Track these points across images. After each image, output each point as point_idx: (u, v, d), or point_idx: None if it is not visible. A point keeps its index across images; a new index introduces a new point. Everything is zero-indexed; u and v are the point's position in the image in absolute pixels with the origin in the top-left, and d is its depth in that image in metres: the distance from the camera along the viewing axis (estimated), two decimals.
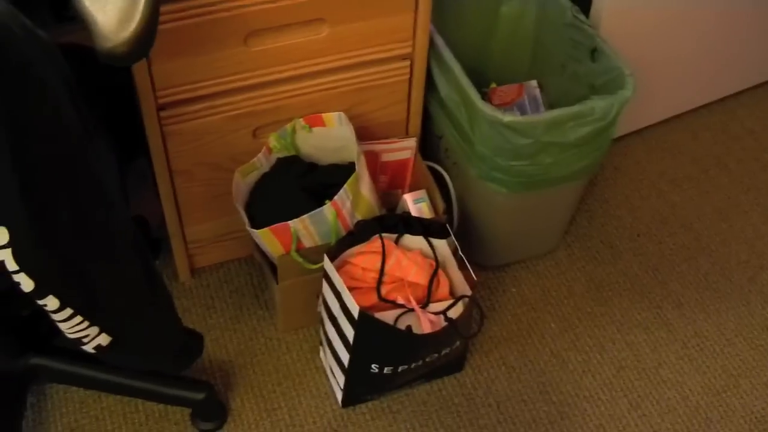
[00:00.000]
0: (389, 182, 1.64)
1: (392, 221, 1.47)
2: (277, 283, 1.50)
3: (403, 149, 1.61)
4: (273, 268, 1.50)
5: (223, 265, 1.72)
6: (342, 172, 1.47)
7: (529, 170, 1.52)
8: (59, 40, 0.97)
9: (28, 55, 0.88)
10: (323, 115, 1.48)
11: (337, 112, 1.47)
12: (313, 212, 1.38)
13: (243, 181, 1.46)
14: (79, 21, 1.37)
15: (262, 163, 1.48)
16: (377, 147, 1.58)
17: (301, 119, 1.47)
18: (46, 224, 0.95)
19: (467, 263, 1.44)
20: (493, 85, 1.80)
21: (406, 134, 1.64)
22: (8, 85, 0.85)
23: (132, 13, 1.04)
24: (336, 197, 1.39)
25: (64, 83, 0.96)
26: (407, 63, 1.52)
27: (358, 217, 1.45)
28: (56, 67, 0.94)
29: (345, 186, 1.39)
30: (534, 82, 1.76)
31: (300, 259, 1.44)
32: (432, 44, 1.54)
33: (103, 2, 1.05)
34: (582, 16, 1.64)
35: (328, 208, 1.39)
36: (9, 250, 0.94)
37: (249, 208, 1.46)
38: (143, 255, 1.12)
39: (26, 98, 0.88)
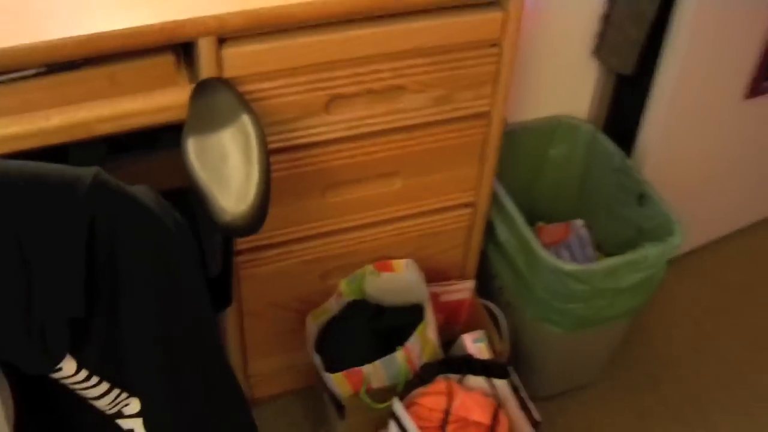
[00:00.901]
0: (445, 320, 1.71)
1: (455, 363, 1.54)
2: (344, 420, 1.55)
3: (460, 290, 1.68)
4: (336, 403, 1.56)
5: (280, 397, 1.77)
6: (407, 313, 1.54)
7: (583, 312, 1.60)
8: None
9: (176, 244, 0.95)
10: (392, 261, 1.55)
11: (405, 260, 1.55)
12: (386, 358, 1.45)
13: (314, 324, 1.53)
14: (133, 151, 1.45)
15: (332, 306, 1.55)
16: (437, 289, 1.65)
17: (371, 265, 1.55)
18: (173, 390, 1.01)
19: (530, 403, 1.50)
20: (541, 224, 1.88)
21: (462, 274, 1.71)
22: (159, 272, 0.92)
23: (248, 190, 1.11)
24: (408, 343, 1.45)
25: (195, 259, 1.03)
26: (470, 210, 1.61)
27: (424, 359, 1.51)
28: (193, 248, 1.01)
29: (416, 333, 1.46)
30: (580, 222, 1.85)
31: (369, 400, 1.49)
32: (493, 192, 1.62)
33: (220, 178, 1.13)
34: (630, 162, 1.74)
35: (400, 354, 1.45)
36: (140, 419, 1.00)
37: (319, 349, 1.53)
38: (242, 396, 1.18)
39: (174, 280, 0.95)
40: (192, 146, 1.15)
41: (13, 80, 1.22)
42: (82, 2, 1.21)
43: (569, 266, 1.52)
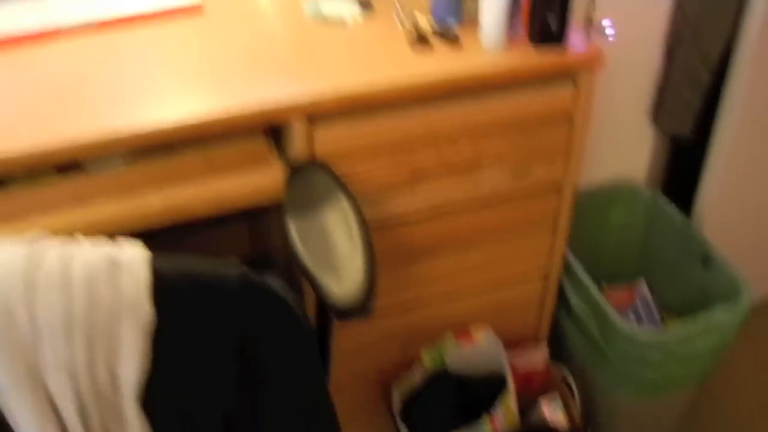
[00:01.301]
0: (519, 385, 1.72)
1: (538, 431, 1.55)
2: None
3: (534, 357, 1.70)
4: None
5: None
6: (486, 381, 1.56)
7: (656, 377, 1.61)
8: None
9: (304, 327, 0.98)
10: (472, 332, 1.58)
11: (484, 330, 1.57)
12: (472, 427, 1.46)
13: (399, 395, 1.55)
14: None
15: (415, 377, 1.57)
16: (511, 355, 1.67)
17: (451, 336, 1.57)
18: None
19: None
20: (605, 285, 1.90)
21: (535, 339, 1.73)
22: (294, 357, 0.95)
23: (357, 274, 1.14)
24: (494, 412, 1.47)
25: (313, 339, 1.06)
26: (542, 278, 1.63)
27: (506, 427, 1.52)
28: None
29: (500, 403, 1.47)
30: (644, 285, 1.87)
31: None
32: (564, 260, 1.65)
33: (327, 261, 1.15)
34: (692, 225, 1.77)
35: (486, 423, 1.47)
36: None
37: (405, 419, 1.54)
38: None
39: (303, 362, 0.98)
40: (295, 229, 1.18)
41: (112, 165, 1.27)
42: (179, 87, 1.26)
43: (644, 333, 1.54)
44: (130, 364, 0.79)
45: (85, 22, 1.44)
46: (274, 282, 0.93)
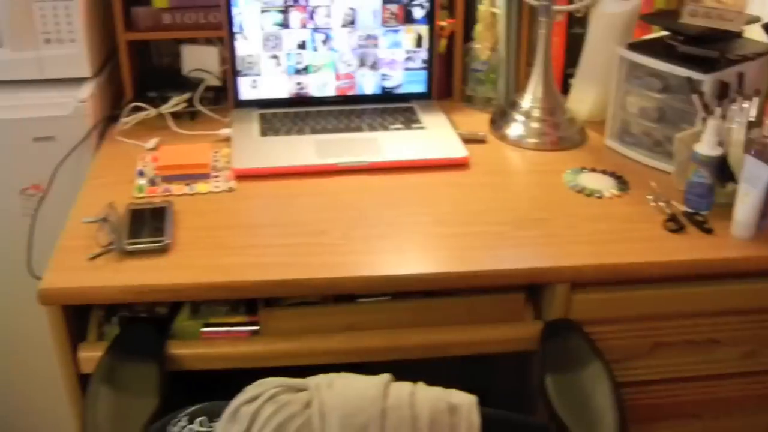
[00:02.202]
0: None
1: None
2: None
3: None
4: None
5: None
6: None
7: None
8: None
9: None
10: None
11: None
12: None
13: None
14: None
15: None
16: None
17: None
18: None
19: None
20: None
21: None
22: None
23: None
24: None
25: None
26: None
27: None
28: None
29: None
30: None
31: None
32: None
33: (580, 419, 1.27)
34: None
35: None
36: None
37: None
38: None
39: None
40: (552, 385, 1.31)
41: (380, 297, 1.44)
42: (448, 235, 1.45)
43: None
44: None
45: (358, 162, 1.65)
46: None
